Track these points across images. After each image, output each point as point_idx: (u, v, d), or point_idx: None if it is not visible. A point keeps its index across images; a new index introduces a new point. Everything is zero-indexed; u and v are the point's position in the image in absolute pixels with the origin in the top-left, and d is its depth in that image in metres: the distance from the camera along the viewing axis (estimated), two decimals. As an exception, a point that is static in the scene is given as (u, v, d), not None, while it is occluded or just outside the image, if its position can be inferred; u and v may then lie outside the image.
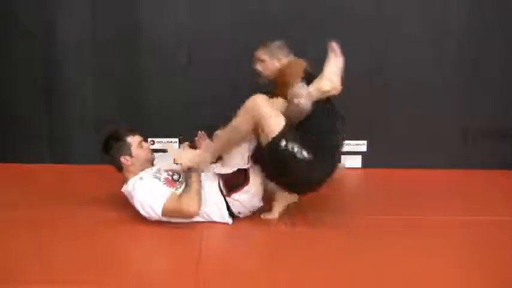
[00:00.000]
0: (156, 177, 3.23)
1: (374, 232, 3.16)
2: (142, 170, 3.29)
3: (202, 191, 3.19)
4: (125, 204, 3.31)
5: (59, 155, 4.19)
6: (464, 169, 4.15)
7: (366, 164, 4.21)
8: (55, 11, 4.01)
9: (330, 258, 2.88)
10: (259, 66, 3.38)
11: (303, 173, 3.08)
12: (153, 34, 4.05)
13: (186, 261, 2.86)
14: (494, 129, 4.18)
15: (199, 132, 3.51)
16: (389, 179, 4.02)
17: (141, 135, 3.39)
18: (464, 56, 4.10)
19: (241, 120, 3.13)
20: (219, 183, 3.22)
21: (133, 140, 3.31)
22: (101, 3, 4.02)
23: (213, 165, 3.30)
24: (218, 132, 3.31)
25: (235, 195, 3.21)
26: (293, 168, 3.07)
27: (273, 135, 3.04)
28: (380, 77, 4.10)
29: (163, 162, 3.47)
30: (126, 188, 3.25)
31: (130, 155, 3.28)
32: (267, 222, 3.27)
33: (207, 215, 3.21)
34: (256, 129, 3.11)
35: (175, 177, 3.27)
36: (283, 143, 3.04)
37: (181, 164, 3.25)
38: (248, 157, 3.22)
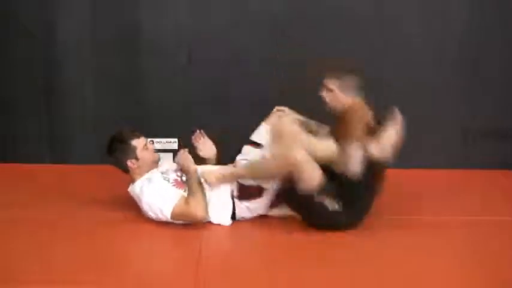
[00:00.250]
0: (165, 179, 3.21)
1: (374, 232, 3.16)
2: (149, 171, 3.28)
3: (210, 192, 3.20)
4: (125, 204, 3.32)
5: (59, 155, 4.19)
6: (464, 169, 4.15)
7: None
8: (55, 11, 4.01)
9: (329, 259, 2.88)
10: (325, 95, 3.21)
11: (331, 221, 3.09)
12: (153, 34, 4.05)
13: (186, 261, 2.86)
14: (494, 129, 4.17)
15: (198, 131, 3.51)
16: (389, 179, 4.01)
17: (142, 135, 3.36)
18: (464, 56, 4.10)
19: (276, 168, 3.07)
20: (232, 189, 3.22)
21: (138, 142, 3.27)
22: (101, 3, 4.02)
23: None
24: (242, 161, 3.30)
25: (246, 203, 3.22)
26: (322, 215, 3.07)
27: (308, 189, 3.01)
28: (380, 77, 4.09)
29: (171, 161, 3.45)
30: (133, 190, 3.24)
31: (136, 158, 3.25)
32: (268, 222, 3.26)
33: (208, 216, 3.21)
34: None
35: (185, 178, 3.25)
36: (317, 194, 3.01)
37: (210, 182, 3.20)
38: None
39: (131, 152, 3.24)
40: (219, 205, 3.20)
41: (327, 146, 3.08)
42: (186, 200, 3.12)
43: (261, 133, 3.45)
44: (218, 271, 2.77)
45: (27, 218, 3.26)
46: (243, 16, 4.02)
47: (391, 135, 3.10)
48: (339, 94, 3.17)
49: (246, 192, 3.22)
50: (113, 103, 4.13)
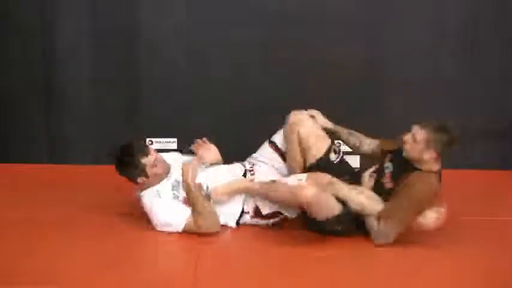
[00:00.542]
0: (174, 196, 3.15)
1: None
2: (159, 182, 3.19)
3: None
4: (124, 205, 3.32)
5: (59, 155, 4.19)
6: (464, 169, 4.14)
7: (363, 164, 4.21)
8: (55, 11, 4.02)
9: (328, 265, 2.86)
10: (408, 141, 2.98)
11: (330, 229, 3.03)
12: (153, 34, 4.05)
13: (186, 261, 2.87)
14: (494, 129, 4.18)
15: (202, 139, 3.44)
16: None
17: (152, 149, 3.22)
18: (464, 56, 4.10)
19: (288, 201, 3.03)
20: (246, 202, 3.19)
21: (148, 160, 3.13)
22: (101, 3, 4.02)
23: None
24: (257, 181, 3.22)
25: (255, 219, 3.21)
26: (324, 229, 3.01)
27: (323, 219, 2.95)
28: (379, 77, 4.10)
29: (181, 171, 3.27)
30: (141, 198, 3.17)
31: (146, 176, 3.15)
32: (268, 228, 3.23)
33: None
34: None
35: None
36: (336, 223, 2.96)
37: (220, 198, 3.15)
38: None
39: (141, 171, 3.13)
40: (228, 209, 3.18)
41: (372, 204, 2.99)
42: (195, 221, 3.06)
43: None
44: (216, 274, 2.77)
45: (27, 218, 3.25)
46: (243, 16, 4.02)
47: (432, 221, 2.95)
48: (422, 147, 2.95)
49: (258, 212, 3.19)
50: (113, 103, 4.12)
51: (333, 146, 3.26)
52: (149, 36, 4.05)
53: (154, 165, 3.14)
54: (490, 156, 4.19)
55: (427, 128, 2.95)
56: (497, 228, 3.29)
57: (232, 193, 3.16)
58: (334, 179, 3.05)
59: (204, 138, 3.45)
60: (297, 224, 3.19)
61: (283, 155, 3.35)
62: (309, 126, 3.24)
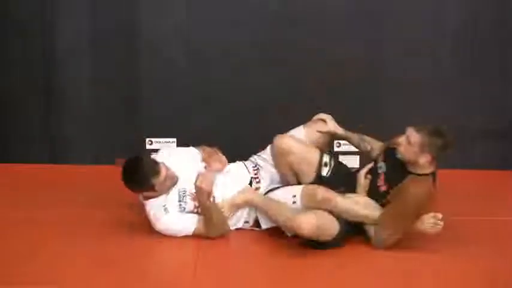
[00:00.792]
0: (181, 209, 3.12)
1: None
2: (167, 191, 3.15)
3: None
4: (124, 205, 3.32)
5: (59, 155, 4.19)
6: (464, 169, 4.14)
7: (364, 164, 4.20)
8: (55, 11, 4.02)
9: (327, 269, 2.86)
10: (403, 143, 2.97)
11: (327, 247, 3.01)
12: (153, 34, 4.05)
13: (186, 262, 2.87)
14: (494, 129, 4.18)
15: (212, 148, 3.36)
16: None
17: (162, 166, 3.12)
18: (464, 56, 4.10)
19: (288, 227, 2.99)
20: (249, 213, 3.20)
21: (157, 180, 3.06)
22: (101, 3, 4.02)
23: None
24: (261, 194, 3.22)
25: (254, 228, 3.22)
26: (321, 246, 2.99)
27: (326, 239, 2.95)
28: (379, 77, 4.10)
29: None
30: (145, 204, 3.13)
31: (154, 191, 3.10)
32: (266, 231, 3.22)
33: None
34: None
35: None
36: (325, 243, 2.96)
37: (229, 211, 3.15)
38: None
39: (150, 189, 3.09)
40: (232, 220, 3.18)
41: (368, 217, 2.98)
42: (207, 231, 3.06)
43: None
44: (215, 276, 2.78)
45: (27, 218, 3.25)
46: (243, 16, 4.02)
47: (431, 226, 2.93)
48: (417, 150, 2.93)
49: (258, 226, 3.20)
50: (113, 103, 4.12)
51: (324, 159, 3.21)
52: (149, 36, 4.05)
53: (164, 183, 3.09)
54: (490, 156, 4.19)
55: (422, 132, 2.93)
56: (497, 228, 3.29)
57: (236, 209, 3.16)
58: (329, 194, 3.00)
59: (215, 148, 3.37)
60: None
61: None
62: (298, 153, 3.18)
